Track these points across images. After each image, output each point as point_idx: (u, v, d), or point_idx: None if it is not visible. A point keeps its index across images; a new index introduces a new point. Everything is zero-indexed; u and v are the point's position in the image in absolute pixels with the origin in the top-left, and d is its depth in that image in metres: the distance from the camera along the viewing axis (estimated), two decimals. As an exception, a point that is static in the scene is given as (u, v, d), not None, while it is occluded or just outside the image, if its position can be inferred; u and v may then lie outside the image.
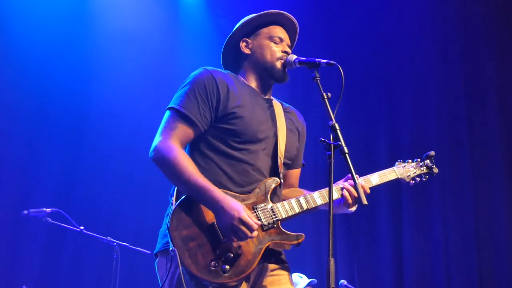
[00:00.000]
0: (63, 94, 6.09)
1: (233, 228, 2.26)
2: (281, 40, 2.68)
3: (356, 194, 2.49)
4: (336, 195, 2.54)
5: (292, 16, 2.74)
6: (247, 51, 2.69)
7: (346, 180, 2.59)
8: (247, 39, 2.70)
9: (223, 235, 2.30)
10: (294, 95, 6.60)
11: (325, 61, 2.48)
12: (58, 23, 6.11)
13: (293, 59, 2.60)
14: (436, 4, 6.83)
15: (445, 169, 6.23)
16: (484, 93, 6.45)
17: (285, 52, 2.65)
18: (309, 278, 5.42)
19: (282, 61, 2.63)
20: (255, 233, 2.30)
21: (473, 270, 5.99)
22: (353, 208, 2.57)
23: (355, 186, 2.24)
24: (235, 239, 2.30)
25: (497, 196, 6.13)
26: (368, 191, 2.58)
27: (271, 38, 2.67)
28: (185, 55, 6.78)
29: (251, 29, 2.70)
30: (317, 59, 2.49)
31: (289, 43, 2.74)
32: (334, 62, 2.44)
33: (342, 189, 2.54)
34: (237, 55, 2.73)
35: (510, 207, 6.07)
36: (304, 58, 2.55)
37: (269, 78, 2.66)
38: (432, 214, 6.29)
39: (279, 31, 2.70)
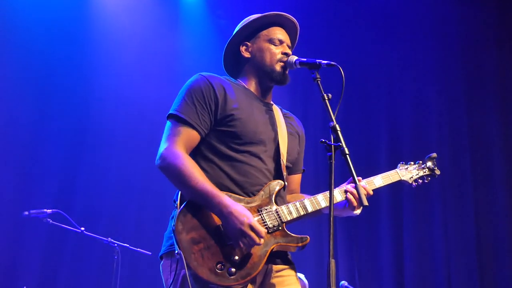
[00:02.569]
0: (64, 94, 6.10)
1: (243, 234, 2.26)
2: (281, 41, 2.67)
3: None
4: (340, 197, 2.54)
5: (291, 16, 2.73)
6: (247, 54, 2.69)
7: (349, 183, 2.59)
8: (247, 43, 2.69)
9: (230, 240, 2.30)
10: (294, 96, 6.61)
11: (325, 62, 2.47)
12: (59, 23, 6.12)
13: (293, 60, 2.59)
14: (436, 4, 6.83)
15: (445, 170, 6.22)
16: (485, 93, 6.46)
17: (285, 53, 2.64)
18: (309, 278, 5.41)
19: (282, 63, 2.63)
20: (262, 241, 2.31)
21: (473, 271, 5.99)
22: (358, 211, 2.56)
23: (355, 187, 2.24)
24: (242, 245, 2.29)
25: (497, 197, 6.14)
26: (371, 193, 2.58)
27: (270, 41, 2.66)
28: (186, 56, 6.79)
29: (251, 32, 2.69)
30: (317, 60, 2.48)
31: (290, 44, 2.73)
32: (335, 63, 2.44)
33: (346, 192, 2.53)
34: (237, 59, 2.73)
35: (510, 207, 6.06)
36: (305, 59, 2.55)
37: (269, 80, 2.66)
38: (433, 215, 6.29)
39: (278, 33, 2.69)
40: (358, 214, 2.58)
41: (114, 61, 6.35)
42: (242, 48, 2.69)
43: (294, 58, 2.60)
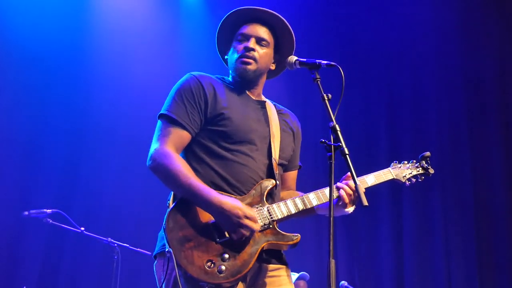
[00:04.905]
0: (64, 94, 6.10)
1: (240, 225, 2.28)
2: (246, 36, 2.61)
3: (352, 194, 2.49)
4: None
5: (262, 8, 2.63)
6: (225, 56, 2.72)
7: (342, 181, 2.58)
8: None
9: (227, 233, 2.31)
10: (294, 97, 6.60)
11: (325, 62, 2.46)
12: (59, 23, 6.12)
13: (293, 60, 2.58)
14: (436, 4, 6.83)
15: (445, 169, 6.23)
16: (484, 92, 6.46)
17: (246, 47, 2.58)
18: (309, 278, 5.43)
19: (243, 58, 2.57)
20: (258, 225, 2.32)
21: (473, 271, 5.99)
22: (350, 209, 2.56)
23: (356, 187, 2.22)
24: (240, 236, 2.30)
25: (497, 196, 6.13)
26: (363, 190, 2.55)
27: (236, 38, 2.64)
28: (186, 56, 6.78)
29: (229, 33, 2.68)
30: (317, 60, 2.48)
31: (262, 37, 2.61)
32: (335, 63, 2.43)
33: (338, 189, 2.52)
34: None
35: (510, 206, 6.06)
36: (305, 59, 2.54)
37: (238, 77, 2.61)
38: (433, 215, 6.29)
39: (246, 28, 2.62)
40: (350, 212, 2.57)
41: (114, 61, 6.35)
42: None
43: (294, 58, 2.59)
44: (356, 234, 6.60)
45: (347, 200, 2.51)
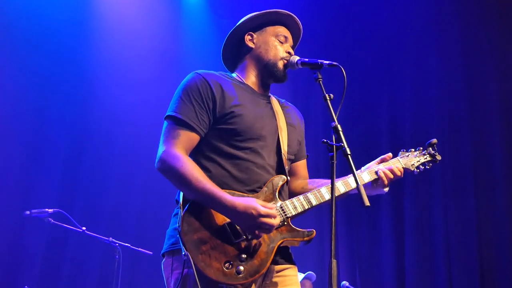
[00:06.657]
0: (66, 94, 6.10)
1: (258, 225, 2.26)
2: (286, 40, 2.70)
3: (391, 176, 2.58)
4: (368, 177, 2.59)
5: (299, 21, 2.75)
6: (251, 44, 2.68)
7: (380, 162, 2.66)
8: (252, 33, 2.70)
9: (238, 237, 2.30)
10: (296, 97, 6.61)
11: (327, 62, 2.46)
12: (60, 23, 6.12)
13: (295, 60, 2.59)
14: (438, 3, 6.84)
15: (446, 168, 6.22)
16: (485, 85, 6.44)
17: (289, 52, 2.66)
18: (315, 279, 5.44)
19: (285, 61, 2.63)
20: (278, 220, 2.31)
21: (474, 271, 5.99)
22: (386, 189, 2.62)
23: (357, 188, 2.21)
24: (259, 235, 2.29)
25: (498, 191, 6.12)
26: (398, 173, 2.63)
27: (276, 37, 2.68)
28: (187, 56, 6.80)
29: (258, 25, 2.70)
30: (319, 60, 2.48)
31: (292, 45, 2.74)
32: (337, 64, 2.43)
33: (377, 172, 2.58)
34: (238, 48, 2.73)
35: (511, 201, 6.05)
36: (307, 59, 2.54)
37: (268, 75, 2.66)
38: (434, 216, 6.29)
39: (284, 32, 2.71)
40: (386, 191, 2.63)
41: (115, 61, 6.36)
42: (247, 37, 2.69)
43: (296, 58, 2.60)
44: (358, 234, 6.60)
45: (386, 182, 2.58)
